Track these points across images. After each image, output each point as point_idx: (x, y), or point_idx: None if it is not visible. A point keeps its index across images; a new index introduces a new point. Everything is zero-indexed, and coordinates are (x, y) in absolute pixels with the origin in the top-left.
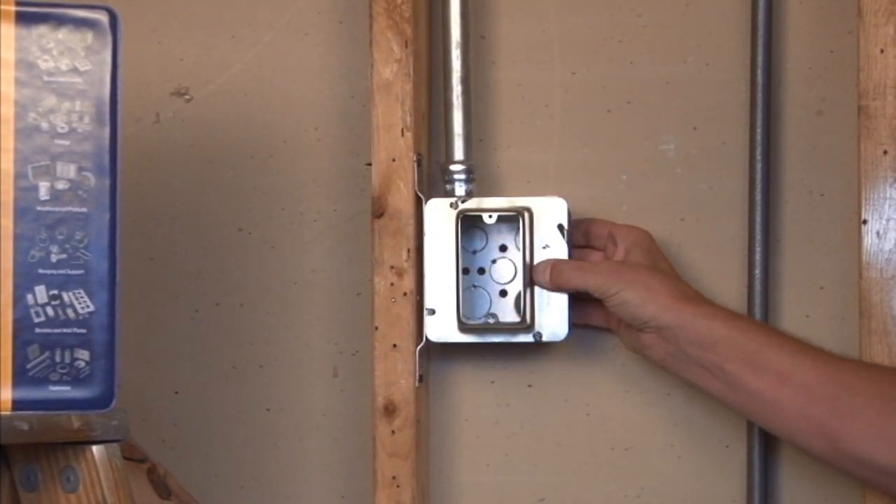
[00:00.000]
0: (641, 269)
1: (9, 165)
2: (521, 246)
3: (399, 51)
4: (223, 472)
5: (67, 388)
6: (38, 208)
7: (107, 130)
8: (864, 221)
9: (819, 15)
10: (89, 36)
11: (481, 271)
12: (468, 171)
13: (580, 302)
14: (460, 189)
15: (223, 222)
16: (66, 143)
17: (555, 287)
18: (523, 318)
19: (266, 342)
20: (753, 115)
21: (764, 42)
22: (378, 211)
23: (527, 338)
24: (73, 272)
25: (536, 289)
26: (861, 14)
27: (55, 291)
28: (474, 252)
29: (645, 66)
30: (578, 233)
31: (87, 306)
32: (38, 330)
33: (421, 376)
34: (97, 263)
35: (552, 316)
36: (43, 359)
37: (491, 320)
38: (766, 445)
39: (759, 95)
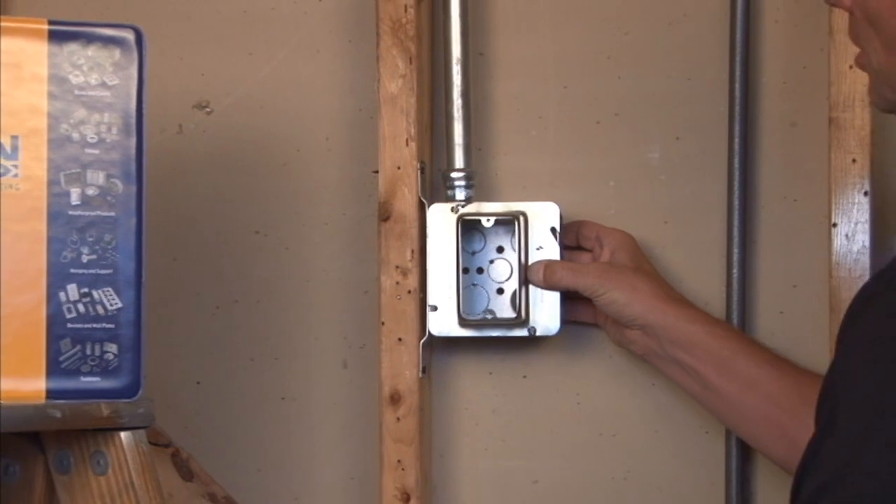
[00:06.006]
0: (628, 270)
1: (42, 173)
2: (516, 247)
3: (404, 66)
4: (242, 456)
5: (97, 378)
6: (70, 212)
7: (133, 140)
8: (835, 224)
9: (793, 33)
10: (117, 53)
11: (480, 271)
12: (468, 178)
13: (571, 300)
14: (460, 194)
15: (241, 225)
16: (96, 152)
17: (548, 286)
18: (519, 314)
19: (281, 336)
20: (732, 126)
21: (741, 58)
22: (384, 215)
23: (522, 332)
24: (103, 272)
25: (531, 287)
26: (832, 33)
27: (86, 289)
28: (473, 253)
29: (632, 81)
30: (570, 234)
31: (116, 303)
32: (70, 325)
33: (424, 368)
34: (125, 263)
35: (545, 312)
36: (75, 352)
37: (489, 316)
38: None
39: (737, 108)
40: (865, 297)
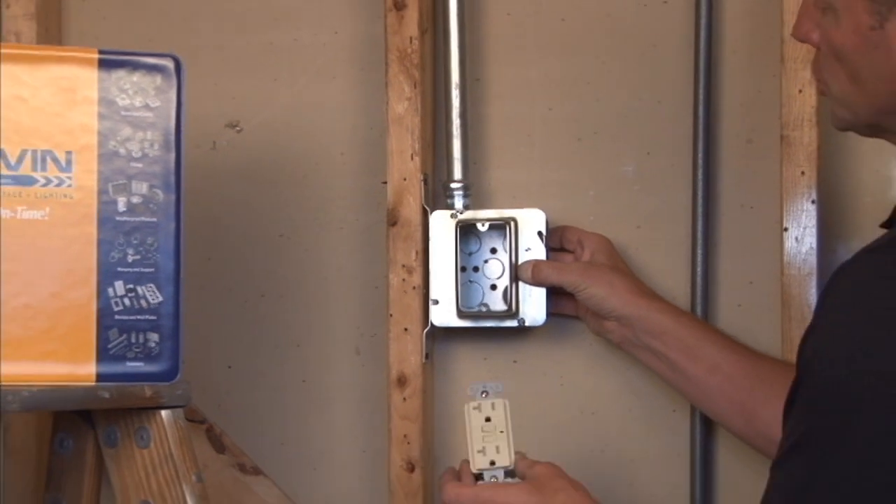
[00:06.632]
0: (605, 269)
1: (93, 184)
2: (508, 249)
3: (409, 91)
4: (267, 431)
5: (141, 363)
6: (117, 218)
7: (173, 155)
8: (786, 229)
9: (749, 62)
10: (158, 78)
11: (476, 269)
12: (465, 188)
13: (555, 294)
14: (459, 202)
15: (267, 229)
16: (140, 165)
17: (535, 282)
18: (510, 307)
19: (302, 326)
20: (696, 142)
21: (704, 83)
22: (392, 220)
23: (513, 323)
24: (146, 270)
25: (520, 283)
26: (783, 61)
27: (131, 285)
28: (470, 254)
29: (608, 103)
30: (555, 238)
31: (157, 297)
32: (117, 317)
33: (427, 354)
34: (165, 263)
35: (533, 306)
36: (121, 340)
37: (484, 309)
38: None
39: (701, 127)
40: (838, 271)
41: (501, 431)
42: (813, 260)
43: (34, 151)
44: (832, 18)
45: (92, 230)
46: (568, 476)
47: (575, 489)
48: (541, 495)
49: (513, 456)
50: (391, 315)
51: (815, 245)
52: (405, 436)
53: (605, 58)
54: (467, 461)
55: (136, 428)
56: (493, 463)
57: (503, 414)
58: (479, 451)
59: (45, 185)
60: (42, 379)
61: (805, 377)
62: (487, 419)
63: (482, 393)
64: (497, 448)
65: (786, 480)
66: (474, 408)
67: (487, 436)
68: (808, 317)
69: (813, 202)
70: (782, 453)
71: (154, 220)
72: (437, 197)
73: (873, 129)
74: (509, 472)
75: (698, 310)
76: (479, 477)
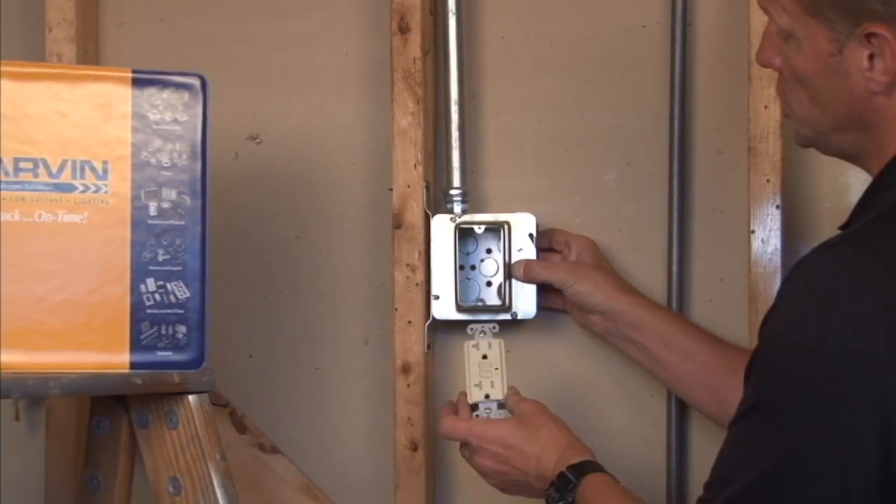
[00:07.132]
0: (590, 267)
1: (127, 190)
2: (502, 249)
3: (413, 106)
4: (284, 414)
5: (170, 353)
6: (149, 222)
7: (199, 165)
8: (753, 231)
9: (719, 80)
10: (186, 95)
11: (473, 268)
12: (463, 195)
13: (545, 291)
14: (457, 207)
15: (284, 232)
16: (169, 174)
17: (527, 280)
18: (503, 302)
19: (316, 319)
20: (671, 153)
21: (679, 100)
22: (397, 223)
23: (506, 316)
24: (175, 268)
25: (513, 280)
26: (750, 80)
27: (161, 283)
28: (468, 254)
29: (593, 118)
30: (544, 239)
31: (185, 293)
32: (149, 311)
33: (429, 344)
34: (192, 262)
35: (525, 300)
36: (152, 332)
37: (480, 303)
38: None
39: (676, 139)
40: (798, 263)
41: (496, 368)
42: (777, 260)
43: (74, 161)
44: (794, 46)
45: (126, 232)
46: (550, 413)
47: (555, 424)
48: (526, 431)
49: (506, 390)
50: (396, 309)
51: (779, 246)
52: (409, 418)
53: (589, 76)
54: (465, 394)
55: (165, 411)
56: (487, 396)
57: (498, 352)
58: (475, 385)
59: (83, 192)
60: (81, 367)
61: (762, 351)
62: (484, 356)
63: (481, 333)
64: (492, 383)
65: (735, 442)
66: (473, 346)
67: (484, 371)
68: None
69: (777, 207)
70: (738, 415)
71: (182, 223)
72: (437, 202)
73: (832, 150)
74: (502, 405)
75: (674, 305)
76: (474, 408)
